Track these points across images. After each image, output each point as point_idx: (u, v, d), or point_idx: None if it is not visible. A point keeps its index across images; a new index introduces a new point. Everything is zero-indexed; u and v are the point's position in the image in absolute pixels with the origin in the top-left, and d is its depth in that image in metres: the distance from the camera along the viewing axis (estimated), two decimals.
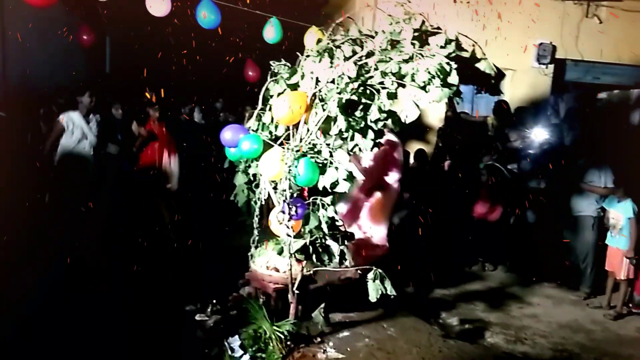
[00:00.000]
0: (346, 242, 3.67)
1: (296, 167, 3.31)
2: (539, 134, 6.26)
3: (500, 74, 3.71)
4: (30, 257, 2.04)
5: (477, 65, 3.53)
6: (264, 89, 3.92)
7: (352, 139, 3.36)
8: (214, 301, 4.04)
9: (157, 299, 4.24)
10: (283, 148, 3.44)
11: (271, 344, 3.57)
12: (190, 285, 4.55)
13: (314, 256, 3.60)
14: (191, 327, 3.85)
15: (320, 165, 3.40)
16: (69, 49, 7.96)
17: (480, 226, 6.06)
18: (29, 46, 6.73)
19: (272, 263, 3.92)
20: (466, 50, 3.47)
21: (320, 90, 3.47)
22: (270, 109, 3.77)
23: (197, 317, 3.92)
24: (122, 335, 3.60)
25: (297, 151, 3.37)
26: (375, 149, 3.47)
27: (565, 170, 5.64)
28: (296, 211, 3.45)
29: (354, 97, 3.29)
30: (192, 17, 5.56)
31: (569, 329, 4.62)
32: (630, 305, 5.05)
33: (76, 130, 5.41)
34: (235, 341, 3.60)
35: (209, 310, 4.00)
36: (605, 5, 7.93)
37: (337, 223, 3.62)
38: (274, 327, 3.63)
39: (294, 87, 3.69)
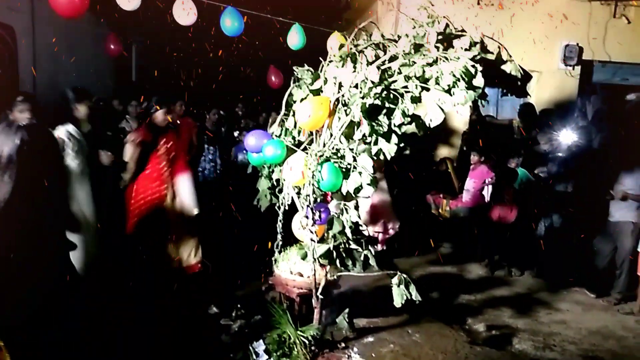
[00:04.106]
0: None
1: (320, 172, 3.31)
2: (566, 137, 6.15)
3: (526, 76, 3.65)
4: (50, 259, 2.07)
5: (503, 67, 3.49)
6: (287, 94, 3.95)
7: (376, 143, 3.36)
8: (239, 305, 4.07)
9: (182, 303, 4.29)
10: (306, 153, 3.45)
11: (295, 348, 3.58)
12: (215, 289, 4.59)
13: (337, 261, 3.60)
14: (216, 331, 3.88)
15: (344, 170, 3.40)
16: (97, 58, 8.16)
17: (504, 230, 5.99)
18: (58, 56, 6.92)
19: (296, 268, 3.93)
20: (491, 53, 3.43)
21: (343, 95, 3.47)
22: (293, 114, 3.79)
23: (222, 322, 3.95)
24: (148, 339, 3.64)
25: (321, 156, 3.37)
26: None
27: (594, 174, 5.52)
28: (320, 216, 3.46)
29: (378, 102, 3.29)
30: (217, 25, 5.63)
31: (599, 336, 4.50)
32: None
33: (75, 146, 4.12)
34: (259, 345, 3.62)
35: (233, 314, 4.03)
36: (634, 4, 7.76)
37: (360, 227, 3.62)
38: (298, 332, 3.63)
39: (317, 92, 3.71)
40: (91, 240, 4.07)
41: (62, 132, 4.07)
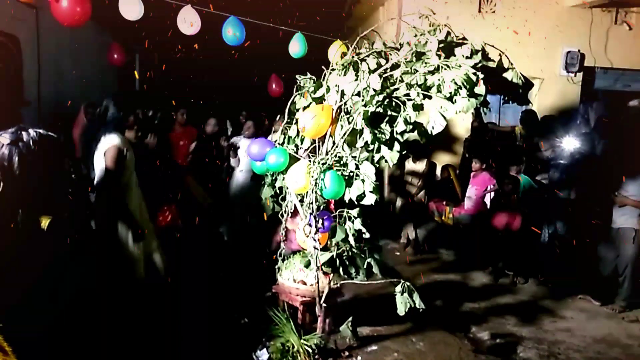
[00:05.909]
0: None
1: (322, 179, 3.32)
2: (569, 143, 6.14)
3: (528, 83, 3.66)
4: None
5: (505, 74, 3.49)
6: (289, 102, 3.97)
7: (378, 151, 3.36)
8: (242, 313, 4.06)
9: (185, 311, 4.28)
10: (309, 161, 3.46)
11: (299, 357, 3.57)
12: (219, 297, 4.57)
13: (341, 269, 3.60)
14: (219, 340, 3.87)
15: (347, 177, 3.41)
16: (101, 67, 8.21)
17: (507, 238, 5.97)
18: (62, 65, 6.96)
19: (299, 276, 3.92)
20: (493, 60, 3.44)
21: (345, 103, 3.49)
22: (296, 123, 3.80)
23: (226, 330, 3.95)
24: (151, 346, 3.63)
25: (324, 164, 3.38)
26: None
27: (597, 181, 5.50)
28: (323, 224, 3.46)
29: (380, 110, 3.30)
30: (219, 35, 5.66)
31: (604, 344, 4.47)
32: None
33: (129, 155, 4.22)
34: (263, 354, 3.61)
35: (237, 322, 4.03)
36: (635, 11, 7.78)
37: (364, 235, 3.61)
38: (302, 341, 3.62)
39: (320, 100, 3.72)
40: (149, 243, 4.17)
41: (121, 141, 3.97)
